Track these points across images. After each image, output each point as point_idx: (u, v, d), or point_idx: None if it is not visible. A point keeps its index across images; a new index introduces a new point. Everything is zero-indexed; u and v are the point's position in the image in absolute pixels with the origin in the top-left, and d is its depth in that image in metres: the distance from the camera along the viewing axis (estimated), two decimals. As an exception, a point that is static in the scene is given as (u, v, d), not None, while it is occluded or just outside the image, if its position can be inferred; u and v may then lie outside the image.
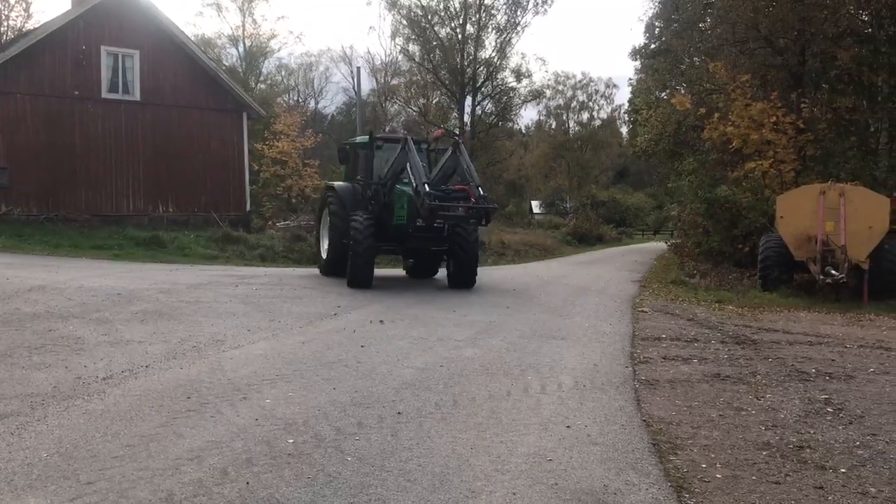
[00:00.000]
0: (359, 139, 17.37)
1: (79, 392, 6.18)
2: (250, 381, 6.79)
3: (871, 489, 4.78)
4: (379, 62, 61.72)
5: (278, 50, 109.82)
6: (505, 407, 6.33)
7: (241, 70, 55.01)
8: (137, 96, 25.33)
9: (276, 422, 5.57)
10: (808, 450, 5.56)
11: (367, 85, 59.77)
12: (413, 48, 50.30)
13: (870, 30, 22.39)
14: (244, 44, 57.58)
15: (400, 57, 55.66)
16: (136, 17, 25.19)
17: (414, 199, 14.03)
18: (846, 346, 10.26)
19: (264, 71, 62.00)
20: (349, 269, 14.45)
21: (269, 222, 30.34)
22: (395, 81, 59.84)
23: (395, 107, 61.06)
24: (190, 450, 4.90)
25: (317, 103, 68.89)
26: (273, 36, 65.20)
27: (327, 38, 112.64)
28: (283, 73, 66.31)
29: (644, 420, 6.21)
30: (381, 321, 10.52)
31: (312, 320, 10.39)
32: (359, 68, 39.02)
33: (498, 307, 12.83)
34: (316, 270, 17.32)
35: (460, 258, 15.45)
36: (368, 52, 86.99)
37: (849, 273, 15.72)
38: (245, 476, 4.48)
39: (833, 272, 15.58)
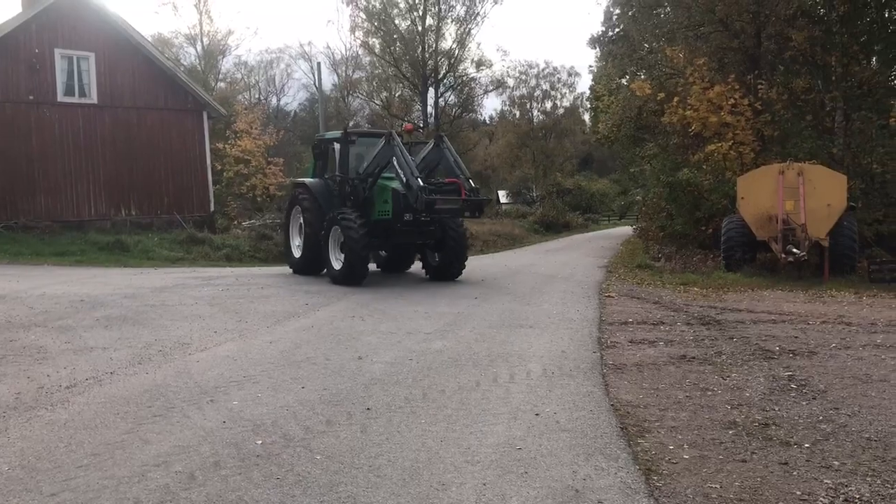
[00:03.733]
0: (330, 134, 17.19)
1: (41, 402, 6.08)
2: (217, 383, 6.74)
3: (835, 462, 4.88)
4: (339, 56, 61.58)
5: (237, 47, 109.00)
6: (474, 398, 6.36)
7: (200, 69, 54.31)
8: (95, 99, 24.89)
9: (244, 423, 5.54)
10: (773, 427, 5.66)
11: (328, 80, 59.56)
12: (373, 41, 50.07)
13: (822, 11, 22.74)
14: (202, 42, 56.87)
15: (360, 51, 55.41)
16: (91, 19, 24.73)
17: (403, 193, 13.96)
18: (808, 323, 10.44)
19: (223, 69, 61.37)
20: (344, 268, 14.21)
21: (234, 222, 30.09)
22: (356, 76, 59.57)
23: (358, 101, 60.81)
24: (156, 455, 4.85)
25: (278, 100, 68.38)
26: (230, 33, 64.64)
27: (286, 34, 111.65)
28: (242, 70, 65.64)
29: (612, 404, 6.27)
30: (352, 317, 10.50)
31: (280, 319, 10.32)
32: (319, 63, 38.80)
33: (467, 298, 12.86)
34: (283, 269, 17.21)
35: (452, 250, 15.47)
36: (328, 46, 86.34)
37: (809, 251, 16.02)
38: (213, 480, 4.45)
39: (794, 250, 15.85)
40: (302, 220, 15.93)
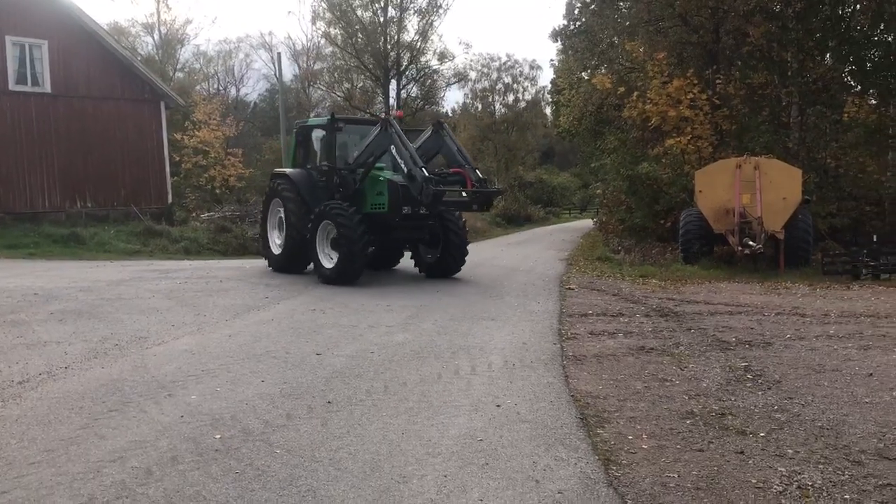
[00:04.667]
0: (315, 121, 16.00)
1: (-7, 398, 5.94)
2: (175, 377, 6.64)
3: (789, 451, 4.98)
4: (300, 47, 60.85)
5: (195, 36, 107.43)
6: (436, 390, 6.36)
7: (157, 58, 53.39)
8: (48, 88, 24.31)
9: (203, 418, 5.47)
10: (729, 416, 5.75)
11: (288, 70, 58.96)
12: (335, 32, 49.61)
13: (779, 7, 23.12)
14: (159, 31, 55.93)
15: (322, 41, 54.95)
16: (43, 6, 24.10)
17: (402, 185, 13.04)
18: (764, 315, 10.64)
19: (182, 59, 60.42)
20: (339, 266, 13.16)
21: (193, 214, 29.69)
22: (317, 66, 59.04)
23: (319, 92, 60.27)
24: (112, 451, 4.76)
25: (238, 91, 67.46)
26: (189, 22, 63.62)
27: (245, 23, 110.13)
28: (201, 60, 64.64)
29: (572, 395, 6.32)
30: (313, 310, 10.43)
31: (239, 313, 10.21)
32: (279, 54, 38.32)
33: (429, 291, 12.85)
34: (243, 262, 17.01)
35: (453, 245, 14.53)
36: (289, 36, 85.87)
37: (765, 243, 16.31)
38: (171, 475, 4.39)
39: (751, 243, 16.14)
40: (283, 214, 14.82)
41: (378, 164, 13.91)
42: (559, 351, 8.14)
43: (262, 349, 7.86)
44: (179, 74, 56.89)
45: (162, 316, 9.81)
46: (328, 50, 54.59)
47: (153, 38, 56.32)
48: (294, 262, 14.70)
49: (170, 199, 27.98)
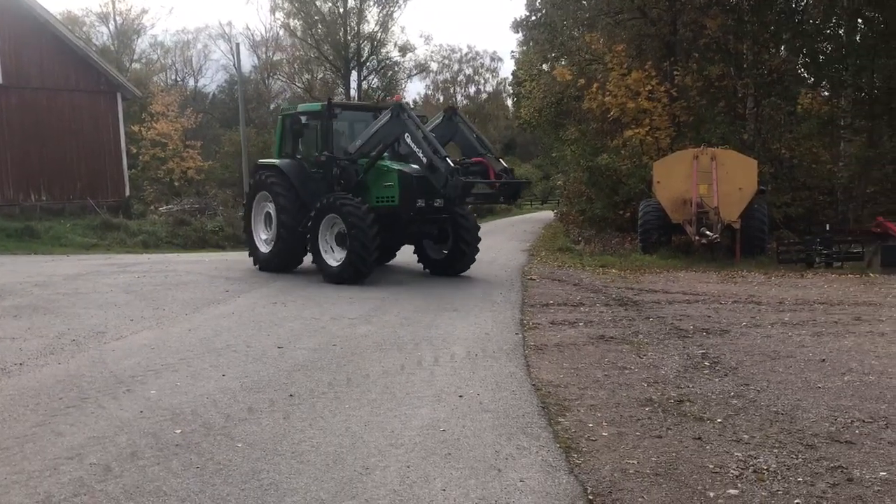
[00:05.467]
0: (306, 107, 14.61)
1: (-55, 396, 5.81)
2: (134, 372, 6.56)
3: (745, 436, 5.09)
4: (259, 37, 60.17)
5: (152, 27, 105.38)
6: (399, 381, 6.37)
7: (113, 49, 52.39)
8: (-1, 79, 23.75)
9: (163, 413, 5.42)
10: (687, 403, 5.86)
11: (248, 61, 58.28)
12: (294, 23, 49.22)
13: (734, 0, 23.46)
14: (115, 21, 54.88)
15: (281, 32, 54.41)
16: (-9, -6, 23.51)
17: (417, 176, 12.13)
18: (721, 303, 10.84)
19: (138, 49, 59.37)
20: (348, 263, 12.22)
21: (151, 207, 29.27)
22: (277, 57, 58.45)
23: (279, 83, 59.71)
24: (69, 448, 4.70)
25: (196, 82, 66.44)
26: (145, 12, 62.46)
27: (203, 14, 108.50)
28: (158, 51, 63.58)
29: (533, 384, 6.38)
30: (274, 303, 10.36)
31: (199, 306, 10.11)
32: (238, 44, 37.75)
33: (392, 283, 12.85)
34: (202, 255, 16.78)
35: (464, 240, 13.53)
36: (248, 27, 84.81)
37: (722, 233, 16.59)
38: (130, 471, 4.34)
39: (707, 233, 16.40)
40: (273, 209, 13.65)
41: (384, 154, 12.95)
42: (521, 341, 8.21)
43: (223, 343, 7.80)
44: (136, 65, 55.94)
45: (120, 310, 9.67)
46: (288, 41, 54.07)
47: (108, 27, 55.30)
48: (285, 261, 13.77)
49: (127, 192, 27.53)
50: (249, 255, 14.48)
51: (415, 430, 5.13)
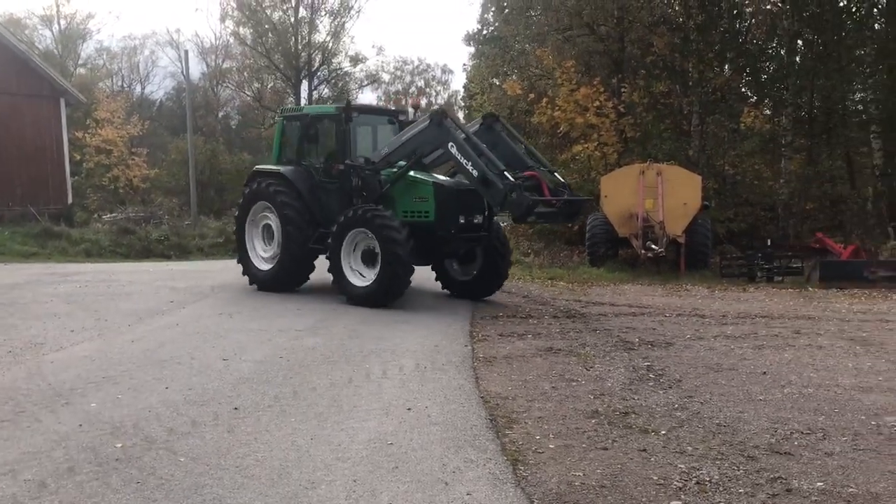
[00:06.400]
0: (317, 109, 13.59)
1: None
2: (74, 384, 6.39)
3: (689, 448, 5.17)
4: (208, 45, 59.32)
5: (98, 31, 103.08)
6: (346, 394, 6.32)
7: (57, 53, 51.16)
8: (-66, 81, 23.00)
9: (103, 426, 5.28)
10: (632, 415, 5.93)
11: (196, 69, 57.31)
12: (244, 31, 48.66)
13: (681, 19, 24.02)
14: (59, 24, 53.60)
15: (231, 40, 53.76)
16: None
17: (460, 189, 11.20)
18: (666, 316, 11.03)
19: (83, 54, 57.98)
20: (378, 284, 10.96)
21: (95, 215, 28.62)
22: (226, 65, 57.75)
23: (228, 91, 58.97)
24: (2, 464, 4.54)
25: (143, 89, 65.24)
26: (91, 16, 61.17)
27: (151, 20, 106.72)
28: (104, 56, 62.22)
29: (482, 397, 6.39)
30: (220, 314, 10.19)
31: (143, 317, 9.89)
32: (186, 51, 37.26)
33: (340, 295, 12.72)
34: (146, 265, 16.42)
35: (497, 262, 12.23)
36: (197, 34, 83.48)
37: (667, 247, 16.91)
38: (67, 487, 4.22)
39: (653, 246, 16.69)
40: (275, 221, 12.35)
41: (398, 163, 11.71)
42: (470, 353, 8.22)
43: (167, 355, 7.64)
44: (81, 70, 54.66)
45: (60, 321, 9.41)
46: (238, 49, 53.48)
47: (52, 31, 53.92)
48: (290, 279, 12.45)
49: (70, 200, 26.86)
50: (244, 273, 12.96)
51: (362, 443, 5.10)
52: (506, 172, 10.49)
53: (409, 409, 5.94)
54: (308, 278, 12.68)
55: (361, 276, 11.31)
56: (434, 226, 11.20)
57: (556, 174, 11.44)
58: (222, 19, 59.03)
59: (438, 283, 13.10)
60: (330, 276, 11.70)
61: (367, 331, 9.32)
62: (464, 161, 10.67)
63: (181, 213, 29.55)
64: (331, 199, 12.13)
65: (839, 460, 4.93)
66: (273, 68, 48.08)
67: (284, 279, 12.40)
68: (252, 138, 50.69)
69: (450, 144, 10.84)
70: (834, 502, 4.26)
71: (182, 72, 46.23)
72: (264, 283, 12.55)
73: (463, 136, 10.88)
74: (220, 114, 55.35)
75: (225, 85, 56.87)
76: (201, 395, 6.17)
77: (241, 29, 48.60)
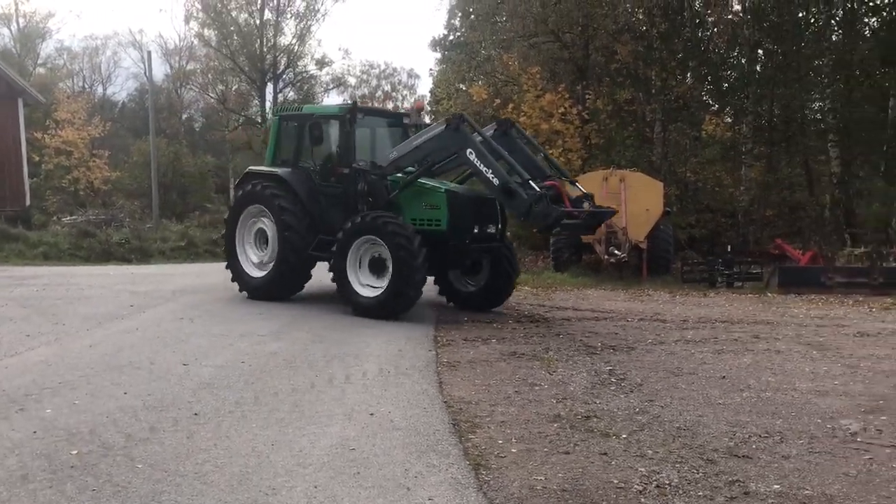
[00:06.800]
0: (318, 109, 13.01)
1: None
2: (28, 390, 6.25)
3: (649, 451, 5.22)
4: (172, 46, 58.62)
5: (58, 31, 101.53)
6: (308, 399, 6.28)
7: (15, 52, 50.20)
8: None
9: (58, 433, 5.17)
10: (594, 419, 5.97)
11: (159, 70, 56.60)
12: (209, 33, 48.20)
13: (644, 28, 24.34)
14: (18, 23, 52.60)
15: (195, 41, 53.19)
16: None
17: (477, 197, 10.94)
18: (628, 320, 11.14)
19: (43, 54, 56.94)
20: (389, 293, 10.42)
21: (54, 217, 28.08)
22: (190, 67, 57.12)
23: (192, 93, 58.33)
24: (-46, 472, 4.44)
25: (105, 89, 64.24)
26: (51, 15, 60.13)
27: (113, 20, 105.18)
28: (65, 56, 61.15)
29: (445, 402, 6.39)
30: (181, 318, 10.06)
31: (101, 321, 9.72)
32: (149, 52, 36.77)
33: (304, 298, 12.61)
34: (106, 268, 16.16)
35: (505, 272, 11.77)
36: (160, 35, 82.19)
37: (629, 252, 17.09)
38: (19, 495, 4.12)
39: (616, 252, 16.87)
40: (271, 226, 11.78)
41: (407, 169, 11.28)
42: (434, 357, 8.22)
43: (126, 360, 7.52)
44: (41, 70, 53.65)
45: (16, 325, 9.22)
46: (202, 51, 52.93)
47: (10, 30, 52.90)
48: (286, 287, 11.88)
49: (28, 202, 26.36)
50: (233, 280, 12.30)
51: (323, 449, 5.06)
52: (531, 182, 9.99)
53: (371, 413, 5.92)
54: (303, 287, 12.15)
55: (369, 287, 10.75)
56: (445, 235, 10.70)
57: (576, 184, 11.05)
58: (187, 20, 58.32)
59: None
60: (315, 284, 11.49)
61: (331, 335, 9.27)
62: (483, 168, 10.07)
63: (143, 215, 29.11)
64: (332, 205, 11.56)
65: (795, 463, 5.01)
66: (238, 70, 47.67)
67: (280, 287, 11.78)
68: (216, 141, 50.14)
69: (468, 151, 10.22)
70: (790, 504, 4.34)
71: (145, 73, 45.61)
72: (257, 290, 11.93)
73: (482, 141, 10.39)
74: (184, 116, 54.68)
75: (189, 87, 56.22)
76: (160, 400, 6.08)
77: (205, 31, 48.14)
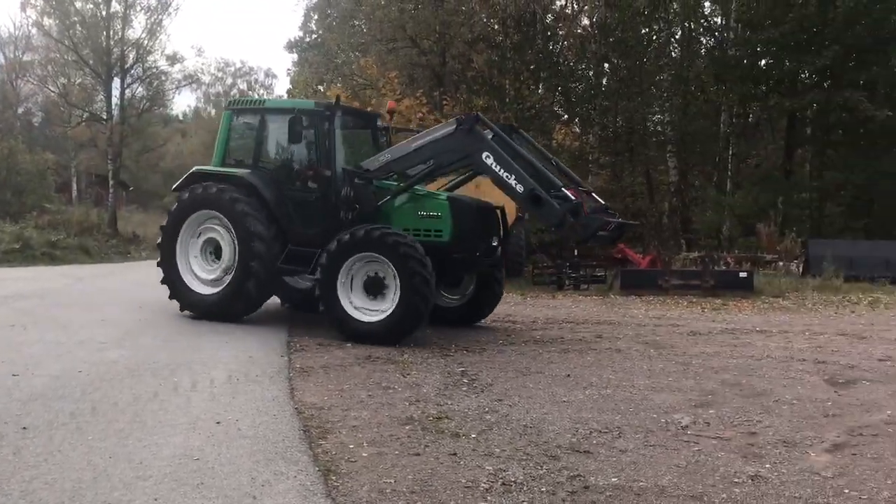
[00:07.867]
0: (289, 103, 12.03)
1: None
2: None
3: (496, 450, 5.35)
4: (7, 35, 54.55)
5: None
6: (151, 409, 6.01)
7: None
8: None
9: None
10: (445, 420, 6.07)
11: (-8, 60, 52.57)
12: (49, 22, 45.24)
13: (499, 38, 25.03)
14: None
15: (34, 31, 49.75)
16: None
17: (487, 208, 10.39)
18: (480, 322, 11.38)
19: None
20: (395, 318, 9.23)
21: None
22: (27, 57, 53.35)
23: (30, 86, 54.48)
24: None
25: (-73, 79, 58.98)
26: None
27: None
28: None
29: (296, 408, 6.29)
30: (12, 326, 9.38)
31: (-82, 331, 8.91)
32: (-21, 40, 34.13)
33: (149, 305, 12.04)
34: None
35: (494, 286, 11.33)
36: (-7, 22, 76.51)
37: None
38: None
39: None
40: (228, 235, 10.40)
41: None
42: (287, 363, 8.09)
43: (-55, 372, 6.93)
44: None
45: None
46: (41, 41, 49.57)
47: None
48: (249, 304, 10.48)
49: None
50: (172, 297, 10.87)
51: (165, 459, 4.86)
52: (564, 189, 9.23)
53: (218, 422, 5.74)
54: (262, 306, 10.82)
55: (364, 310, 9.53)
56: (447, 247, 9.74)
57: (594, 195, 10.36)
58: (23, 8, 54.44)
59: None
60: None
61: (178, 342, 8.93)
62: (504, 174, 9.11)
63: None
64: (305, 212, 10.32)
65: (632, 456, 5.29)
66: (81, 63, 44.99)
67: (236, 306, 10.38)
68: (56, 137, 47.14)
69: (484, 154, 9.23)
70: (626, 496, 4.56)
71: (-26, 62, 42.28)
72: (208, 309, 10.49)
73: (506, 146, 9.43)
74: (20, 110, 51.00)
75: (26, 79, 52.54)
76: (-16, 414, 5.65)
77: (45, 19, 45.17)
